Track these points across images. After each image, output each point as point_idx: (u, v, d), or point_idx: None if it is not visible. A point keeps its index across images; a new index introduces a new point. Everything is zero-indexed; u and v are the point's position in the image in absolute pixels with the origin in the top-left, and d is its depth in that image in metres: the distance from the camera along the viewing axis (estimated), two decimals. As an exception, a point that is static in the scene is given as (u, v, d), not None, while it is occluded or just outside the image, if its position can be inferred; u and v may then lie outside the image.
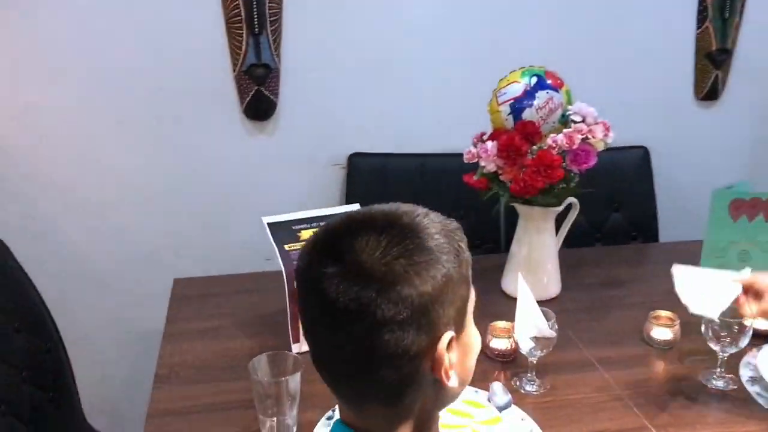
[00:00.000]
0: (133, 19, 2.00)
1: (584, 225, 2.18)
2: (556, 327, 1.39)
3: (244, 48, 2.03)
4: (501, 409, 1.33)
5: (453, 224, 0.83)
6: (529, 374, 1.43)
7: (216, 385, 1.45)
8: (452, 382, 0.80)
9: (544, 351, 1.41)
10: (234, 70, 2.07)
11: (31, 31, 1.97)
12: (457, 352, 0.81)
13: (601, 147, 1.61)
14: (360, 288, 0.73)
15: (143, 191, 2.17)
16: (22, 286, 1.64)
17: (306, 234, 1.61)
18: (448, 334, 0.78)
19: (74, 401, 1.71)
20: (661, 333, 1.56)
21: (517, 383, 1.42)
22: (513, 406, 1.34)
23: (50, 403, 1.59)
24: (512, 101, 1.64)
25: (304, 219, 1.64)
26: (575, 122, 1.60)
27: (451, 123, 2.17)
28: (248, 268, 1.97)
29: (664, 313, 1.57)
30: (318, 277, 0.75)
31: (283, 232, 1.60)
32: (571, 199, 1.74)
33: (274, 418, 1.27)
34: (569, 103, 1.66)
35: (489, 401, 1.35)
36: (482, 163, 1.60)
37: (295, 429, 1.29)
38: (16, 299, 1.60)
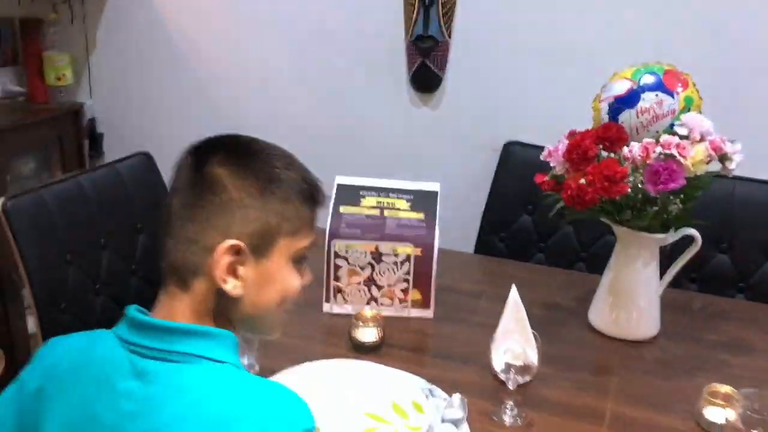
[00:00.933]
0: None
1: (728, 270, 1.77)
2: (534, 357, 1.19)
3: (414, 18, 2.05)
4: (448, 421, 1.20)
5: (299, 168, 0.93)
6: (509, 403, 1.25)
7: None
8: (229, 287, 0.87)
9: (525, 378, 1.22)
10: (405, 40, 2.10)
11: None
12: (254, 275, 0.88)
13: (700, 170, 1.30)
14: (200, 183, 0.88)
15: (308, 133, 2.33)
16: (157, 196, 1.94)
17: (367, 200, 1.61)
18: (232, 242, 0.86)
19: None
20: (715, 414, 1.22)
21: (498, 409, 1.26)
22: (465, 424, 1.20)
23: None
24: (612, 100, 1.41)
25: (372, 187, 1.63)
26: (679, 135, 1.32)
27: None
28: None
29: (724, 389, 1.23)
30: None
31: (348, 193, 1.62)
32: (690, 231, 1.44)
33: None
34: (689, 111, 1.37)
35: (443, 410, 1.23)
36: (552, 163, 1.42)
37: (257, 368, 1.34)
38: (148, 204, 1.89)
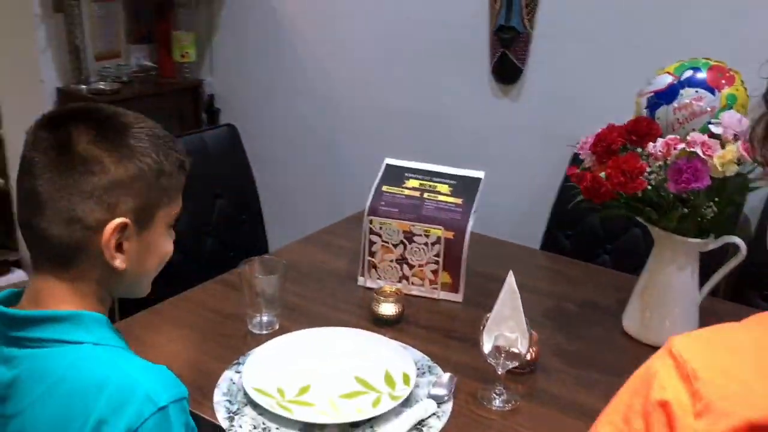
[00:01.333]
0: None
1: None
2: (531, 349, 1.19)
3: (498, 8, 2.05)
4: (431, 397, 1.23)
5: (168, 138, 0.93)
6: (498, 387, 1.26)
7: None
8: (117, 263, 0.89)
9: (512, 364, 1.22)
10: (489, 30, 2.11)
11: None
12: (137, 247, 0.91)
13: (731, 171, 1.22)
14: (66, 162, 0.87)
15: (392, 119, 2.39)
16: (238, 165, 2.09)
17: (411, 182, 1.65)
18: (119, 220, 0.88)
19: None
20: None
21: (486, 392, 1.27)
22: (450, 403, 1.23)
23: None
24: (652, 94, 1.36)
25: (418, 170, 1.67)
26: (713, 134, 1.25)
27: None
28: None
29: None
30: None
31: (394, 174, 1.67)
32: (732, 240, 1.36)
33: (257, 314, 1.44)
34: (730, 109, 1.29)
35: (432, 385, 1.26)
36: (581, 156, 1.39)
37: (276, 327, 1.44)
38: (228, 172, 2.05)
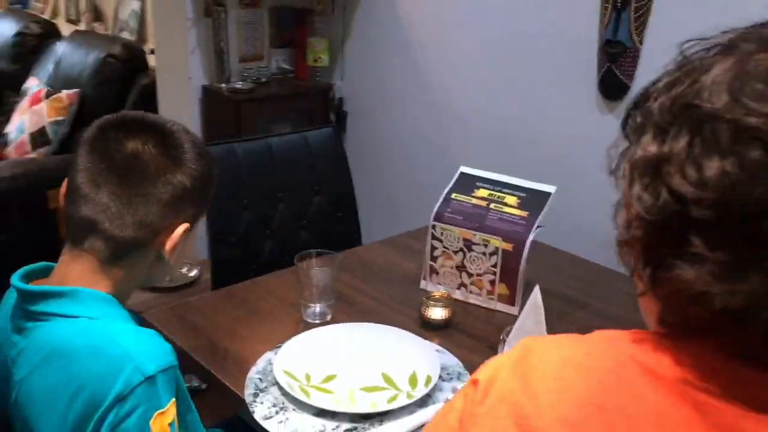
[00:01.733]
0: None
1: None
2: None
3: (606, 21, 2.00)
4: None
5: (205, 147, 1.07)
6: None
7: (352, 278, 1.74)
8: (172, 261, 1.05)
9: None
10: (597, 43, 2.06)
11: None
12: (182, 244, 1.05)
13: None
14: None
15: (497, 125, 2.38)
16: (338, 165, 2.19)
17: (480, 192, 1.66)
18: (186, 225, 1.04)
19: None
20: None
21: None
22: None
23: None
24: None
25: (490, 179, 1.68)
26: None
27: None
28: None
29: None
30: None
31: (466, 182, 1.69)
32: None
33: (310, 305, 1.52)
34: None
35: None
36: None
37: (329, 317, 1.52)
38: (328, 171, 2.15)
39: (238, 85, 2.81)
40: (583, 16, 2.09)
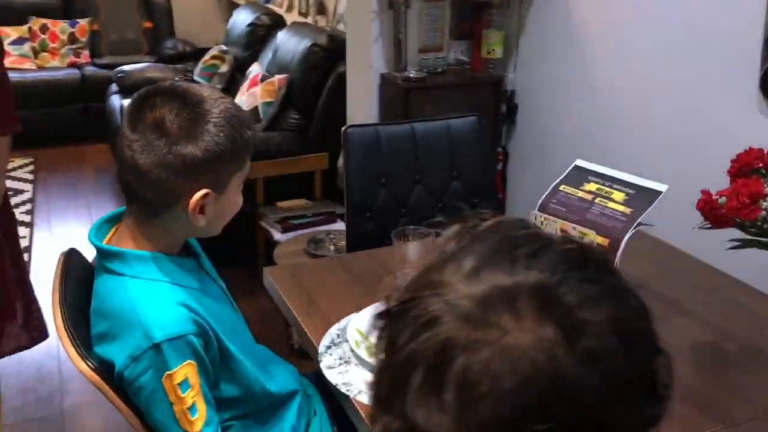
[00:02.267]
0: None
1: None
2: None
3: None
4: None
5: (242, 115, 1.14)
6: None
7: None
8: (201, 223, 1.15)
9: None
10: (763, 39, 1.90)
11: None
12: (215, 208, 1.16)
13: None
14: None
15: (653, 123, 2.27)
16: (479, 155, 2.23)
17: (589, 185, 1.64)
18: (204, 191, 1.12)
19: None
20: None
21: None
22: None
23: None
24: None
25: (602, 174, 1.65)
26: None
27: None
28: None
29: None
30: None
31: (577, 175, 1.68)
32: None
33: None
34: None
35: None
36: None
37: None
38: (468, 159, 2.21)
39: (411, 74, 2.96)
40: (749, 10, 1.94)
